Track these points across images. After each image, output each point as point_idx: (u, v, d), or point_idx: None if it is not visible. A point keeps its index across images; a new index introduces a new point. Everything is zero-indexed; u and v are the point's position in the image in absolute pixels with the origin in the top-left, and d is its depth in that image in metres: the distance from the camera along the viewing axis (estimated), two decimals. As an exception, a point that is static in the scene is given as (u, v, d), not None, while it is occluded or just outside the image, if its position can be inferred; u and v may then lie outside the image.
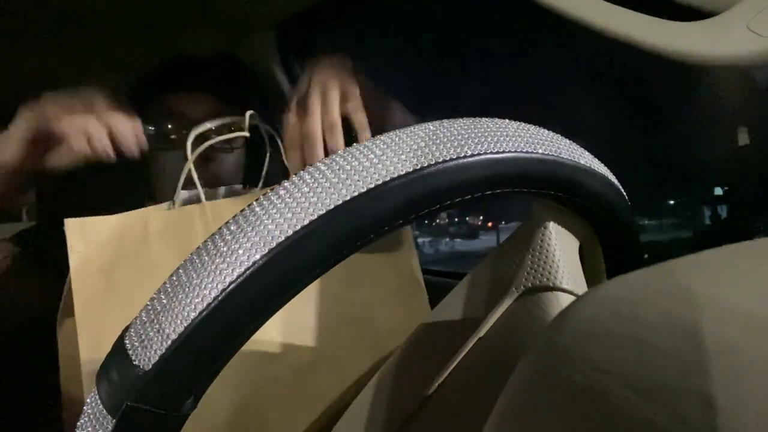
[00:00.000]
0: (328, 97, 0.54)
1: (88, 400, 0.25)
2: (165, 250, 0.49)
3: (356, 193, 0.24)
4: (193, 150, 0.52)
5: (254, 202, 0.25)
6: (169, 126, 0.71)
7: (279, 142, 0.59)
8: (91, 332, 0.44)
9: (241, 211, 0.25)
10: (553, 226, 0.34)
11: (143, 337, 0.23)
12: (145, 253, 0.48)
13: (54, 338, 0.50)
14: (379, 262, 0.54)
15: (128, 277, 0.47)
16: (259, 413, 0.47)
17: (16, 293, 0.67)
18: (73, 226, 0.46)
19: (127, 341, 0.24)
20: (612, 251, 0.36)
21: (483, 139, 0.27)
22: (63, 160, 0.54)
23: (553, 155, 0.29)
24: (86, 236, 0.47)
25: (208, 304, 0.23)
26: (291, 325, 0.49)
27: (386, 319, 0.53)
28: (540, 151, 0.29)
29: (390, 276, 0.54)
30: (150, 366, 0.23)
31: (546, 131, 0.31)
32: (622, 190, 0.34)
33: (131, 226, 0.48)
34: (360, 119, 0.55)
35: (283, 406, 0.48)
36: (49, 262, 0.57)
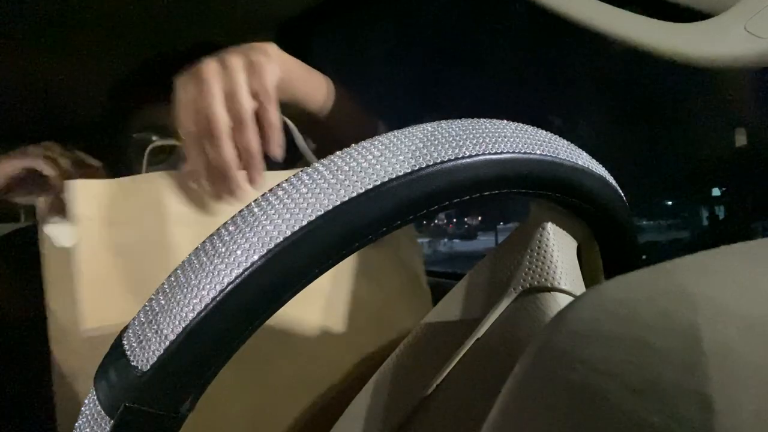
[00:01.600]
0: (231, 77, 0.40)
1: (86, 401, 0.25)
2: (180, 215, 0.45)
3: (354, 194, 0.24)
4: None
5: (252, 203, 0.25)
6: (156, 139, 0.71)
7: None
8: (98, 307, 0.41)
9: (240, 211, 0.25)
10: (551, 227, 0.35)
11: (141, 338, 0.23)
12: (159, 217, 0.44)
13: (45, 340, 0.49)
14: (385, 261, 0.54)
15: (136, 247, 0.44)
16: (271, 411, 0.47)
17: (9, 294, 0.67)
18: (78, 189, 0.42)
19: (125, 342, 0.24)
20: (610, 252, 0.36)
21: (481, 140, 0.27)
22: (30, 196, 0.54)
23: (551, 156, 0.29)
24: (93, 200, 0.42)
25: (206, 305, 0.23)
26: (299, 321, 0.49)
27: (392, 318, 0.53)
28: (538, 151, 0.29)
29: (395, 276, 0.54)
30: (148, 367, 0.23)
31: (544, 132, 0.31)
32: (620, 191, 0.34)
33: (141, 192, 0.45)
34: (269, 117, 0.42)
35: (282, 401, 0.48)
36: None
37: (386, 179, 0.24)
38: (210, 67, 0.42)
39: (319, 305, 0.50)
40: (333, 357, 0.50)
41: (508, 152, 0.27)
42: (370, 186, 0.24)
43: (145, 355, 0.23)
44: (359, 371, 0.50)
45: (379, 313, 0.52)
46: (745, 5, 0.39)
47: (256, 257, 0.23)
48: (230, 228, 0.24)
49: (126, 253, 0.43)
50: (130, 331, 0.24)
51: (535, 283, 0.34)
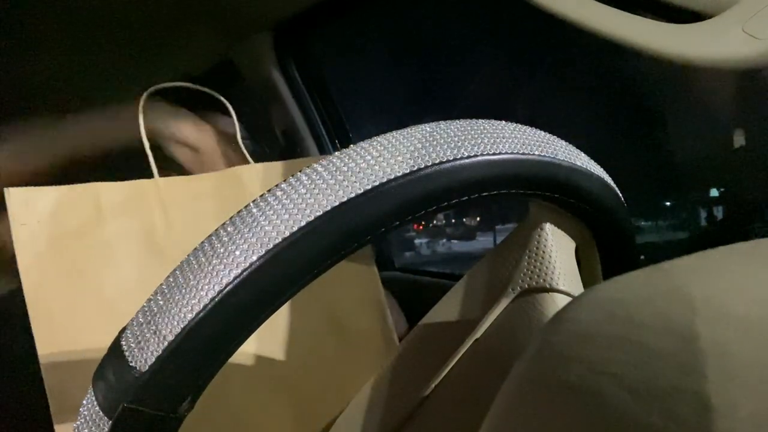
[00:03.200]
0: None
1: (84, 402, 0.25)
2: (119, 225, 0.47)
3: (353, 195, 0.24)
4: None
5: (251, 203, 0.25)
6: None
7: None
8: (44, 313, 0.42)
9: (238, 212, 0.25)
10: (549, 228, 0.35)
11: (140, 338, 0.23)
12: (98, 227, 0.46)
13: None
14: (342, 268, 0.54)
15: (80, 252, 0.45)
16: (238, 418, 0.47)
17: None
18: (16, 196, 0.43)
19: (123, 342, 0.24)
20: (608, 252, 0.36)
21: (480, 141, 0.27)
22: None
23: (549, 157, 0.29)
24: (32, 208, 0.44)
25: (205, 306, 0.23)
26: (267, 327, 0.49)
27: (356, 322, 0.53)
28: (536, 152, 0.29)
29: (352, 282, 0.55)
30: (146, 367, 0.23)
31: (542, 133, 0.31)
32: (618, 192, 0.34)
33: (82, 198, 0.46)
34: None
35: (262, 410, 0.48)
36: None
37: (385, 180, 0.24)
38: None
39: (285, 316, 0.51)
40: (305, 367, 0.50)
41: (506, 153, 0.27)
42: (369, 187, 0.24)
43: (143, 355, 0.23)
44: (335, 375, 0.50)
45: (343, 319, 0.53)
46: (743, 6, 0.39)
47: (254, 258, 0.23)
48: (229, 229, 0.24)
49: (65, 258, 0.44)
50: (129, 331, 0.24)
51: (534, 283, 0.34)
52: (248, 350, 0.49)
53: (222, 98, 0.59)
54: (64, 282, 0.44)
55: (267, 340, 0.50)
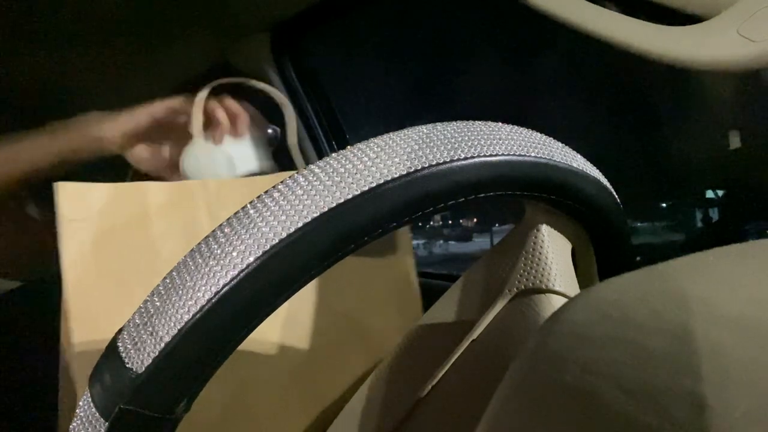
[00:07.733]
0: None
1: (81, 403, 0.25)
2: (166, 226, 0.46)
3: (350, 196, 0.24)
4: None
5: (248, 204, 0.25)
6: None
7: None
8: (82, 311, 0.41)
9: (235, 213, 0.25)
10: (545, 229, 0.35)
11: (136, 339, 0.23)
12: (144, 227, 0.45)
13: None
14: (374, 263, 0.54)
15: (124, 252, 0.44)
16: (250, 413, 0.47)
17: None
18: (65, 191, 0.42)
19: (120, 343, 0.24)
20: (604, 253, 0.36)
21: (476, 142, 0.27)
22: None
23: (545, 158, 0.29)
24: (81, 204, 0.43)
25: (202, 307, 0.22)
26: (283, 324, 0.49)
27: (379, 320, 0.53)
28: (533, 154, 0.29)
29: (385, 278, 0.54)
30: (143, 369, 0.23)
31: (539, 134, 0.31)
32: (615, 193, 0.34)
33: (129, 197, 0.45)
34: None
35: (274, 407, 0.48)
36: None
37: (382, 181, 0.24)
38: None
39: (303, 309, 0.50)
40: (320, 361, 0.50)
41: (503, 155, 0.28)
42: (366, 188, 0.24)
43: (140, 356, 0.23)
44: (347, 374, 0.50)
45: (366, 317, 0.53)
46: (738, 9, 0.40)
47: (251, 259, 0.23)
48: (225, 229, 0.24)
49: (108, 257, 0.44)
50: (125, 332, 0.24)
51: (530, 284, 0.34)
52: (270, 347, 0.48)
53: (287, 101, 0.58)
54: (106, 280, 0.43)
55: (290, 336, 0.49)
